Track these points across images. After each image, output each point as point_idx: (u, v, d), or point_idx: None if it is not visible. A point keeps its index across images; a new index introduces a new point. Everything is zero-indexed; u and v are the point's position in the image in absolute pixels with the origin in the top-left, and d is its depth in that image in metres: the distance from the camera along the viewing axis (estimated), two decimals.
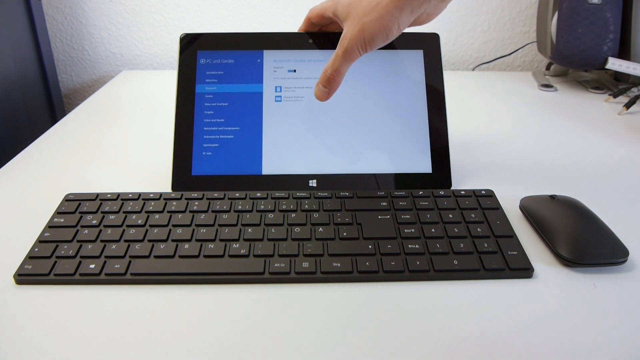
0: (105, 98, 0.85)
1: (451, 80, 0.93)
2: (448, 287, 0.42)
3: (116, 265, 0.43)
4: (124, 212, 0.49)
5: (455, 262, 0.43)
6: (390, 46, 0.57)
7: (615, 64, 0.80)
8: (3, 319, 0.39)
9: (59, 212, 0.49)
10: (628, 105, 0.78)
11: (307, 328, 0.38)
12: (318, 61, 0.57)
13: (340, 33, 0.49)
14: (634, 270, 0.44)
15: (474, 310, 0.39)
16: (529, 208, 0.50)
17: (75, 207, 0.50)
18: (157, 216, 0.48)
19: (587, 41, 0.80)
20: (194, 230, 0.47)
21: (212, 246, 0.45)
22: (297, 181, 0.54)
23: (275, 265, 0.43)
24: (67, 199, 0.51)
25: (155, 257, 0.44)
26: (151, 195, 0.51)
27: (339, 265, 0.43)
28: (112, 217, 0.48)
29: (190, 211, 0.49)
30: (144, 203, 0.50)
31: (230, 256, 0.44)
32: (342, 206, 0.50)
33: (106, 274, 0.42)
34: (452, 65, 1.06)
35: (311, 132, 0.55)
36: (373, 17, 0.45)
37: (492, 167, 0.62)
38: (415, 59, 0.57)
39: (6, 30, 0.82)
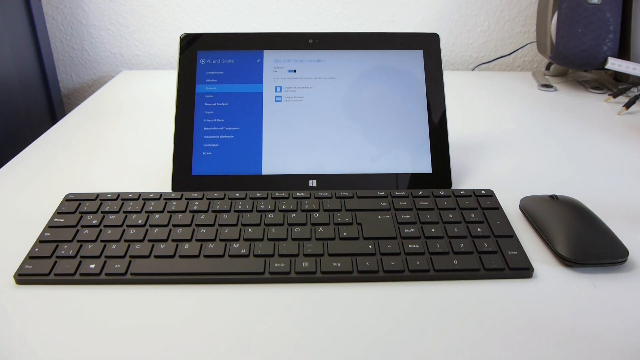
0: (105, 98, 0.85)
1: (451, 80, 0.94)
2: (448, 287, 0.42)
3: (116, 265, 0.43)
4: (124, 212, 0.49)
5: (455, 261, 0.43)
6: (390, 46, 0.57)
7: (615, 64, 0.80)
8: (3, 319, 0.39)
9: (59, 212, 0.49)
10: (628, 105, 0.78)
11: (307, 328, 0.38)
12: (318, 61, 0.57)
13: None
14: (633, 270, 0.44)
15: (474, 310, 0.39)
16: (529, 208, 0.50)
17: (75, 207, 0.50)
18: (157, 216, 0.48)
19: (587, 41, 0.80)
20: (194, 230, 0.47)
21: (212, 246, 0.45)
22: (297, 181, 0.54)
23: (276, 265, 0.43)
24: (67, 199, 0.51)
25: (156, 257, 0.44)
26: (151, 195, 0.51)
27: (339, 265, 0.43)
28: (112, 217, 0.48)
29: (191, 211, 0.49)
30: (144, 203, 0.50)
31: (231, 256, 0.44)
32: (342, 206, 0.50)
33: (106, 274, 0.42)
34: (452, 65, 1.06)
35: (311, 132, 0.56)
36: None
37: (492, 167, 0.62)
38: (415, 59, 0.57)
39: (6, 30, 0.82)
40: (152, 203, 0.50)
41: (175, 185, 0.54)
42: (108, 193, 0.52)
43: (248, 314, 0.39)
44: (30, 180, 0.59)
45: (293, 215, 0.48)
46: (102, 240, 0.45)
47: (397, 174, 0.55)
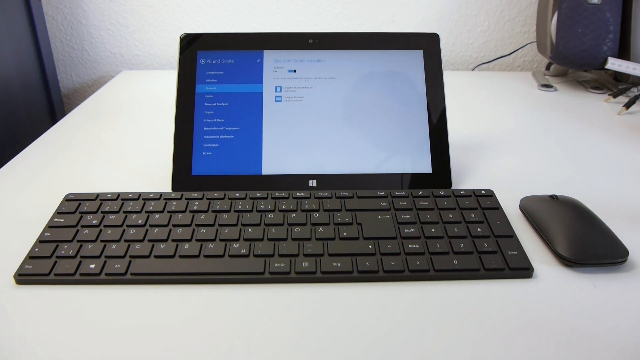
0: (105, 98, 0.85)
1: (451, 80, 0.94)
2: (448, 287, 0.42)
3: (116, 265, 0.43)
4: (124, 212, 0.49)
5: (455, 262, 0.43)
6: (390, 46, 0.57)
7: (615, 64, 0.80)
8: (3, 319, 0.39)
9: (59, 212, 0.49)
10: (628, 105, 0.78)
11: (307, 328, 0.38)
12: (318, 61, 0.57)
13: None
14: (634, 270, 0.44)
15: (474, 310, 0.39)
16: (529, 208, 0.50)
17: (75, 207, 0.50)
18: (157, 216, 0.48)
19: (587, 41, 0.80)
20: (194, 230, 0.47)
21: (212, 246, 0.45)
22: (297, 181, 0.54)
23: (276, 265, 0.43)
24: (67, 199, 0.51)
25: (156, 257, 0.44)
26: (151, 195, 0.51)
27: (339, 265, 0.43)
28: (112, 217, 0.48)
29: (191, 211, 0.49)
30: (144, 203, 0.50)
31: (231, 256, 0.44)
32: (342, 206, 0.50)
33: (106, 274, 0.42)
34: (452, 65, 1.06)
35: (311, 132, 0.56)
36: None
37: (492, 167, 0.62)
38: (415, 59, 0.57)
39: (6, 30, 0.82)
40: (152, 203, 0.50)
41: (175, 185, 0.54)
42: (108, 193, 0.52)
43: (248, 314, 0.39)
44: (30, 180, 0.59)
45: (293, 215, 0.48)
46: (102, 240, 0.45)
47: (397, 174, 0.55)
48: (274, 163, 0.55)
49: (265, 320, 0.38)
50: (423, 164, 0.55)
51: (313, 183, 0.54)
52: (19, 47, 0.85)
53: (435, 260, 0.43)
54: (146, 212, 0.49)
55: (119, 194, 0.51)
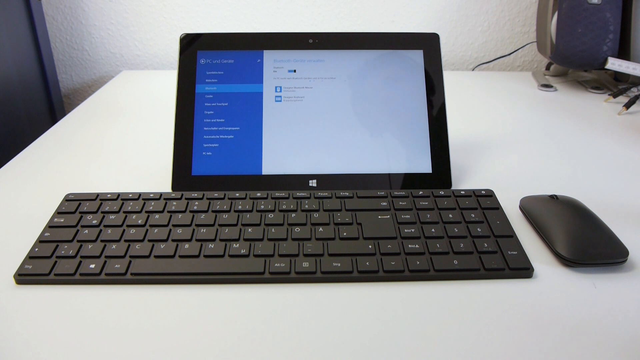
0: (105, 98, 0.85)
1: (451, 80, 0.94)
2: (448, 287, 0.42)
3: (116, 265, 0.43)
4: (124, 212, 0.49)
5: (455, 261, 0.43)
6: (390, 46, 0.57)
7: (614, 64, 0.80)
8: (3, 319, 0.39)
9: (59, 212, 0.49)
10: (628, 105, 0.78)
11: (307, 328, 0.38)
12: (318, 61, 0.57)
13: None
14: (633, 270, 0.44)
15: (474, 310, 0.39)
16: (529, 208, 0.50)
17: (75, 207, 0.50)
18: (157, 216, 0.48)
19: (587, 41, 0.80)
20: (194, 230, 0.47)
21: (212, 246, 0.45)
22: (297, 181, 0.54)
23: (276, 265, 0.43)
24: (67, 199, 0.51)
25: (156, 257, 0.44)
26: (151, 195, 0.51)
27: (339, 265, 0.43)
28: (112, 217, 0.48)
29: (191, 211, 0.49)
30: (144, 203, 0.50)
31: (231, 256, 0.44)
32: (342, 206, 0.50)
33: (106, 274, 0.42)
34: (452, 65, 1.06)
35: (311, 132, 0.56)
36: None
37: (492, 167, 0.62)
38: (415, 59, 0.57)
39: (6, 30, 0.82)
40: (152, 203, 0.50)
41: (175, 185, 0.54)
42: (108, 193, 0.52)
43: (248, 314, 0.39)
44: (30, 180, 0.59)
45: (293, 215, 0.48)
46: (102, 240, 0.45)
47: (397, 174, 0.55)
48: (274, 163, 0.55)
49: (265, 320, 0.38)
50: (423, 164, 0.55)
51: (313, 183, 0.54)
52: (19, 47, 0.85)
53: (435, 260, 0.43)
54: (146, 212, 0.49)
55: (119, 194, 0.51)
